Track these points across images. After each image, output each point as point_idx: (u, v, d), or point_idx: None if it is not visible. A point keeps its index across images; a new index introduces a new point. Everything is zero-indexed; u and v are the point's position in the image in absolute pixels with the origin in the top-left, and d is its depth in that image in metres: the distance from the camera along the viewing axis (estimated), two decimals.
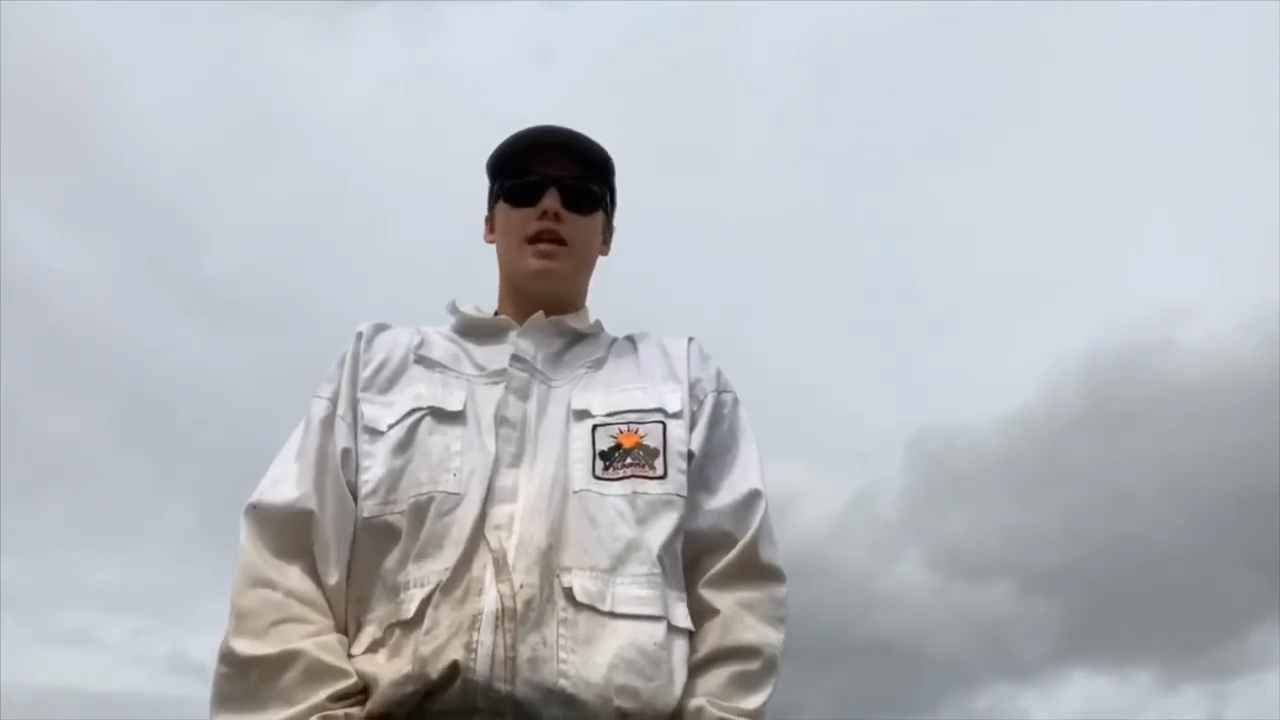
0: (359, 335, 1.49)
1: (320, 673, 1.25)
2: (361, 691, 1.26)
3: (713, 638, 1.34)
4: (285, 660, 1.25)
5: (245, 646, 1.27)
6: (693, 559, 1.38)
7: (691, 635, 1.33)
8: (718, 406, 1.47)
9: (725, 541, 1.39)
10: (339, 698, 1.24)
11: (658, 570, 1.31)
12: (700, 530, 1.39)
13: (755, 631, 1.35)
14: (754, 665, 1.33)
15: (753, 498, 1.41)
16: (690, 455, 1.41)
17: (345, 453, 1.39)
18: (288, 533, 1.35)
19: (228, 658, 1.28)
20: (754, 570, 1.38)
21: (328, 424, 1.41)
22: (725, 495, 1.41)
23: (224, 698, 1.27)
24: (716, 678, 1.32)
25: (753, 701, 1.32)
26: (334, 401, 1.43)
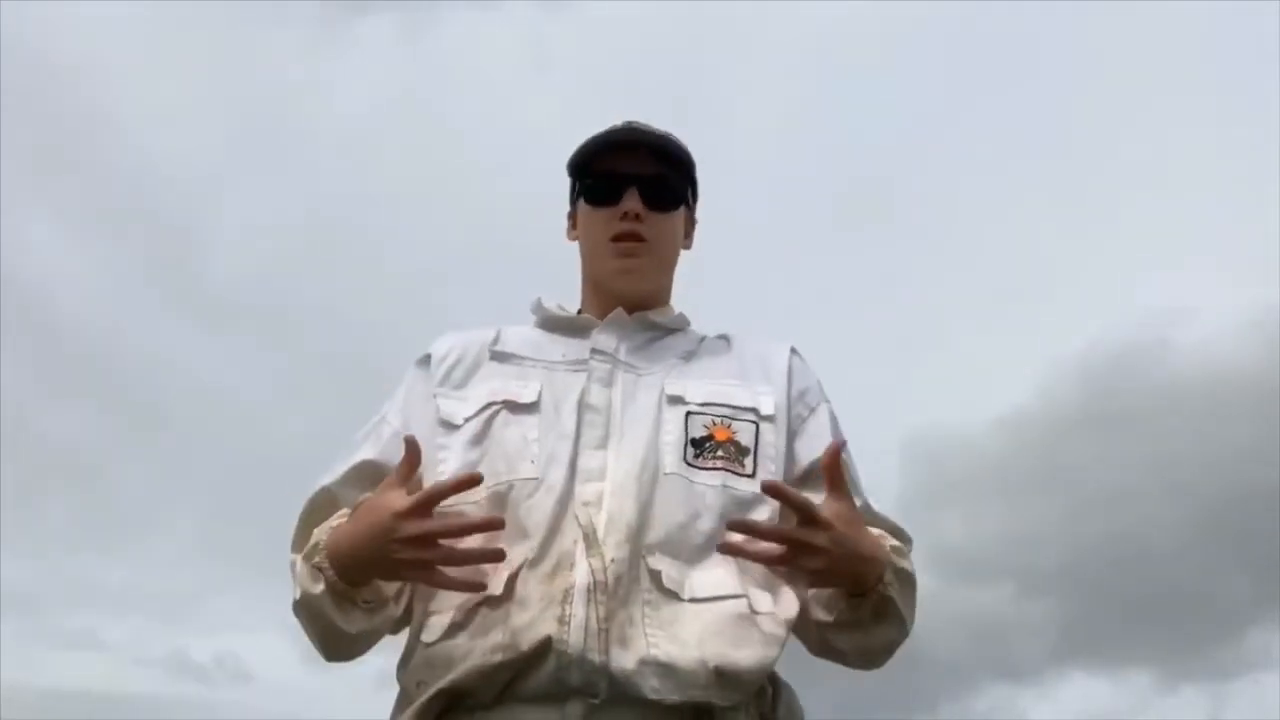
0: (427, 357, 1.49)
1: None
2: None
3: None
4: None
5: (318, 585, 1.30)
6: None
7: (775, 617, 1.29)
8: (830, 414, 1.48)
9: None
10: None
11: (734, 564, 1.28)
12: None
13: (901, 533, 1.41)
14: (907, 550, 1.39)
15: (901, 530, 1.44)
16: (798, 461, 1.41)
17: (370, 462, 1.40)
18: (319, 515, 1.39)
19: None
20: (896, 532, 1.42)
21: (366, 434, 1.45)
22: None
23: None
24: (903, 561, 1.36)
25: (903, 561, 1.36)
26: (384, 416, 1.46)
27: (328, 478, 1.41)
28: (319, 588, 1.28)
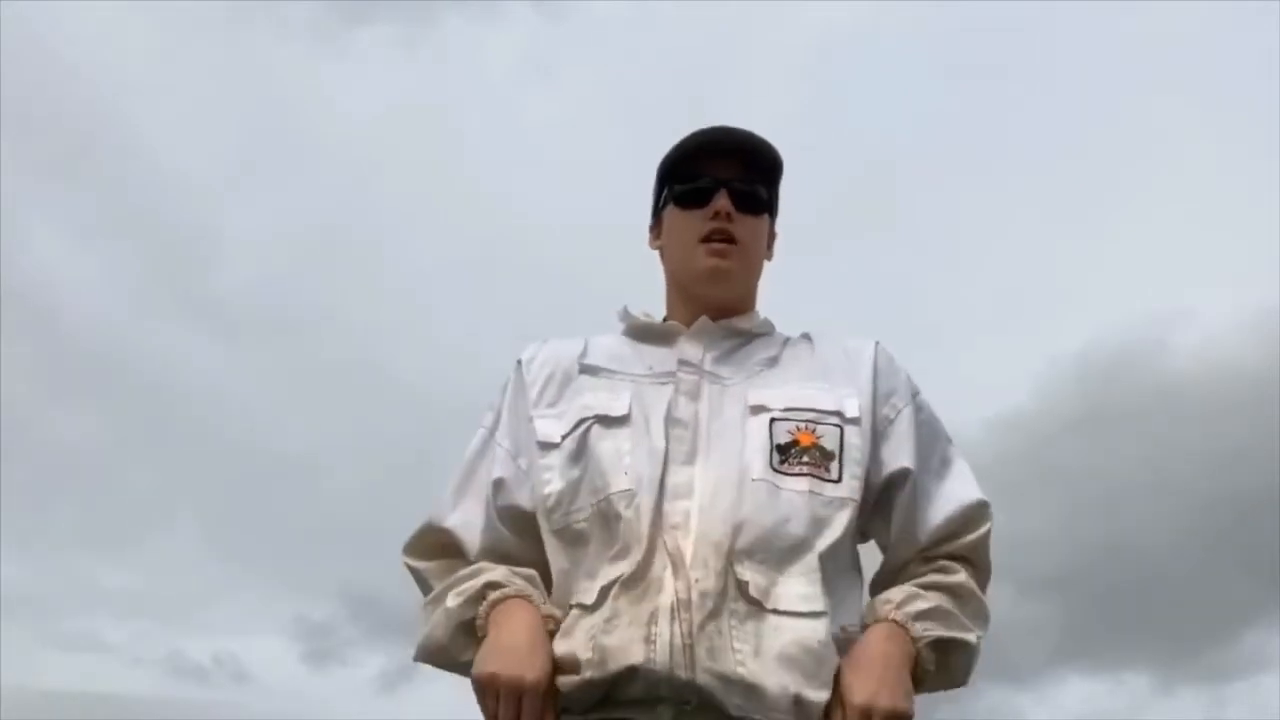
0: (519, 364, 1.51)
1: (502, 570, 1.38)
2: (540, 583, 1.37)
3: (929, 576, 1.37)
4: (476, 570, 1.38)
5: (445, 581, 1.40)
6: (918, 558, 1.40)
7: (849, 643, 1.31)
8: (917, 413, 1.45)
9: (946, 540, 1.40)
10: (519, 575, 1.36)
11: (818, 569, 1.29)
12: (921, 538, 1.40)
13: (973, 583, 1.37)
14: (967, 606, 1.35)
15: (980, 508, 1.41)
16: (905, 474, 1.40)
17: (499, 482, 1.44)
18: (434, 547, 1.45)
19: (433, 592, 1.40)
20: (973, 561, 1.40)
21: (481, 451, 1.48)
22: (946, 504, 1.41)
23: (430, 604, 1.40)
24: (927, 589, 1.34)
25: (959, 620, 1.33)
26: (491, 430, 1.49)
27: (452, 513, 1.46)
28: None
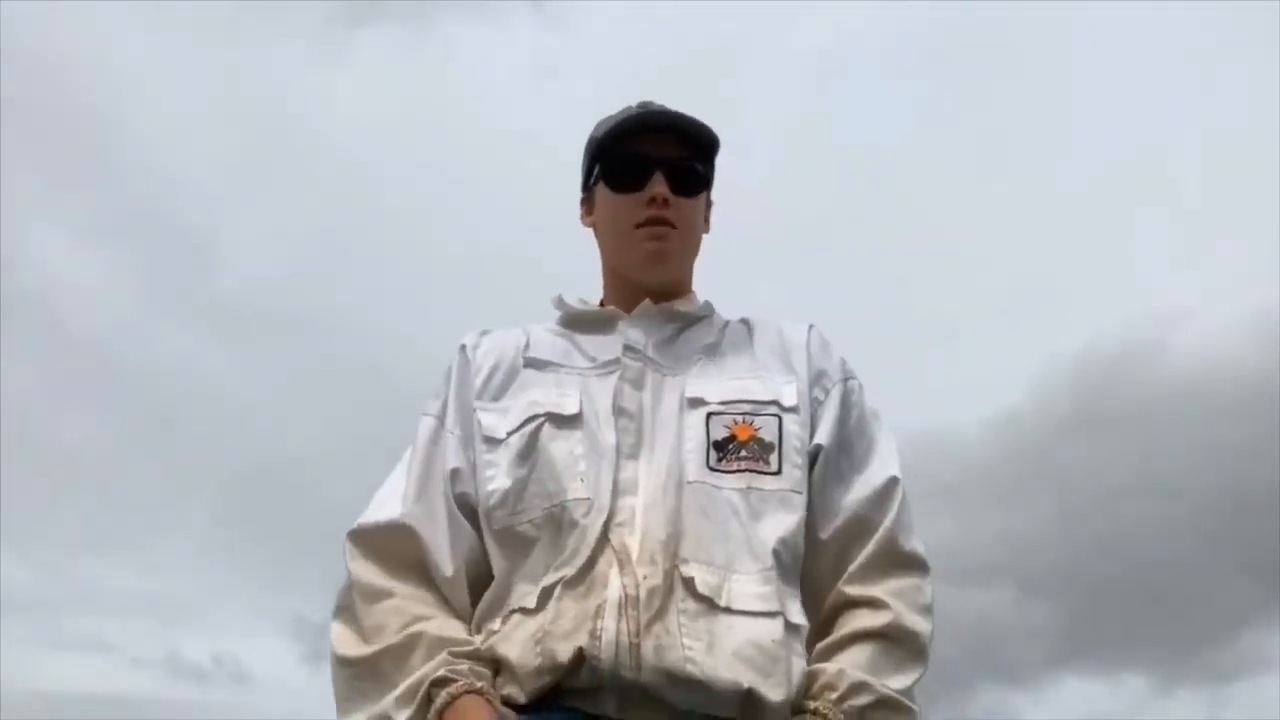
0: (462, 348, 1.45)
1: (441, 642, 1.25)
2: (484, 658, 1.25)
3: (859, 620, 1.30)
4: (411, 643, 1.26)
5: (374, 647, 1.28)
6: (835, 555, 1.34)
7: (805, 630, 1.29)
8: (845, 395, 1.42)
9: (864, 530, 1.34)
10: (461, 655, 1.24)
11: (772, 566, 1.27)
12: (839, 525, 1.34)
13: (904, 617, 1.29)
14: (900, 649, 1.29)
15: (890, 485, 1.36)
16: (818, 451, 1.36)
17: (455, 472, 1.37)
18: (393, 549, 1.34)
19: (353, 660, 1.29)
20: (896, 559, 1.33)
21: (434, 440, 1.40)
22: (861, 487, 1.36)
23: (354, 692, 1.28)
24: (860, 652, 1.28)
25: (898, 681, 1.27)
26: (440, 418, 1.41)
27: (405, 503, 1.36)
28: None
